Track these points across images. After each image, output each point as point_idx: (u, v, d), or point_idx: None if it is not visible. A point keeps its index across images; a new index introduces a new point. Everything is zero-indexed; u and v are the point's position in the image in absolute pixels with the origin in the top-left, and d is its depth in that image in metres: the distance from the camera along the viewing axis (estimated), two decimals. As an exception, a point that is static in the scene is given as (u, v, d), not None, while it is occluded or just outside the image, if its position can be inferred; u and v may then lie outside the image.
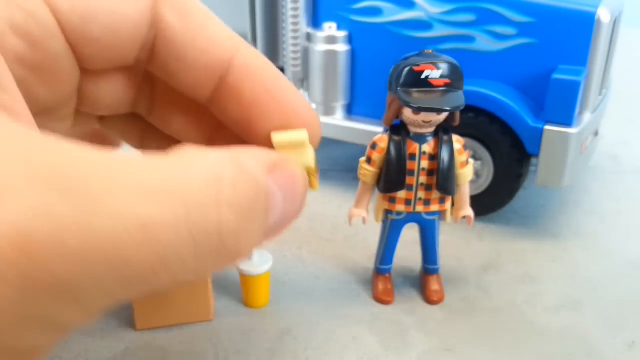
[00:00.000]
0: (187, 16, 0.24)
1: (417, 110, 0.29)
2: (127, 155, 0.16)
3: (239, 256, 0.18)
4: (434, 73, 0.28)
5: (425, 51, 0.29)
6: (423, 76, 0.28)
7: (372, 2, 0.42)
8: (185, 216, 0.15)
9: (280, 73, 0.27)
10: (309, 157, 0.20)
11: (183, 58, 0.24)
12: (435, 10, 0.40)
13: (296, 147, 0.21)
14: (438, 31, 0.40)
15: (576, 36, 0.37)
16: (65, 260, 0.13)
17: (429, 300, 0.34)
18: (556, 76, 0.36)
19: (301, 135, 0.21)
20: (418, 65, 0.28)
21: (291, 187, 0.24)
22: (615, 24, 0.40)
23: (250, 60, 0.25)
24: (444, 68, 0.28)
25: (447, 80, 0.28)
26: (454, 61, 0.29)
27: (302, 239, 0.39)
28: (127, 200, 0.14)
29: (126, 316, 0.32)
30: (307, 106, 0.28)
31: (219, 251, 0.17)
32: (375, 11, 0.42)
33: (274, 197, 0.21)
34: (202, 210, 0.16)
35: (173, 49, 0.24)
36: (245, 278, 0.33)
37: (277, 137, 0.21)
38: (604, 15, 0.36)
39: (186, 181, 0.16)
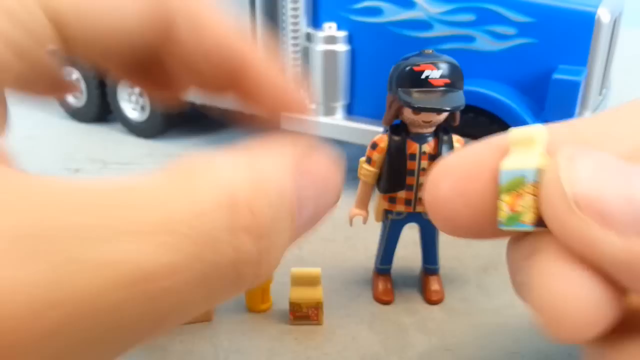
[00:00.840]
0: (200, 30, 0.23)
1: (417, 110, 0.29)
2: (119, 181, 0.12)
3: (259, 281, 0.15)
4: (434, 73, 0.28)
5: (425, 51, 0.29)
6: (423, 76, 0.28)
7: (372, 2, 0.42)
8: (194, 254, 0.12)
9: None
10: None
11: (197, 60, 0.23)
12: (435, 10, 0.40)
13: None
14: (438, 31, 0.40)
15: (576, 36, 0.37)
16: (43, 339, 0.11)
17: (429, 300, 0.34)
18: (556, 76, 0.36)
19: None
20: (418, 65, 0.28)
21: (323, 177, 0.19)
22: (615, 24, 0.40)
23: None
24: (444, 68, 0.28)
25: (447, 80, 0.28)
26: (454, 61, 0.29)
27: (302, 239, 0.39)
28: (118, 247, 0.11)
29: (126, 316, 0.32)
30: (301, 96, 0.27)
31: (234, 284, 0.14)
32: (375, 11, 0.42)
33: (304, 196, 0.17)
34: (214, 244, 0.13)
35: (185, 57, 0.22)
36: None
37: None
38: (604, 15, 0.36)
39: (193, 209, 0.12)
